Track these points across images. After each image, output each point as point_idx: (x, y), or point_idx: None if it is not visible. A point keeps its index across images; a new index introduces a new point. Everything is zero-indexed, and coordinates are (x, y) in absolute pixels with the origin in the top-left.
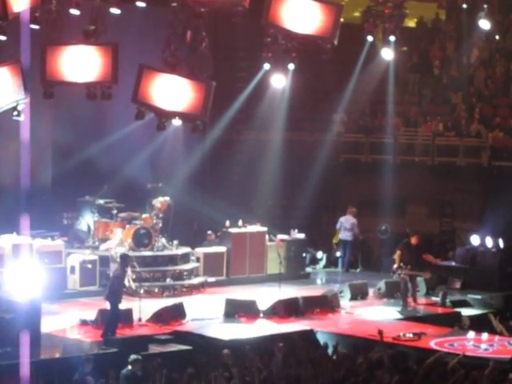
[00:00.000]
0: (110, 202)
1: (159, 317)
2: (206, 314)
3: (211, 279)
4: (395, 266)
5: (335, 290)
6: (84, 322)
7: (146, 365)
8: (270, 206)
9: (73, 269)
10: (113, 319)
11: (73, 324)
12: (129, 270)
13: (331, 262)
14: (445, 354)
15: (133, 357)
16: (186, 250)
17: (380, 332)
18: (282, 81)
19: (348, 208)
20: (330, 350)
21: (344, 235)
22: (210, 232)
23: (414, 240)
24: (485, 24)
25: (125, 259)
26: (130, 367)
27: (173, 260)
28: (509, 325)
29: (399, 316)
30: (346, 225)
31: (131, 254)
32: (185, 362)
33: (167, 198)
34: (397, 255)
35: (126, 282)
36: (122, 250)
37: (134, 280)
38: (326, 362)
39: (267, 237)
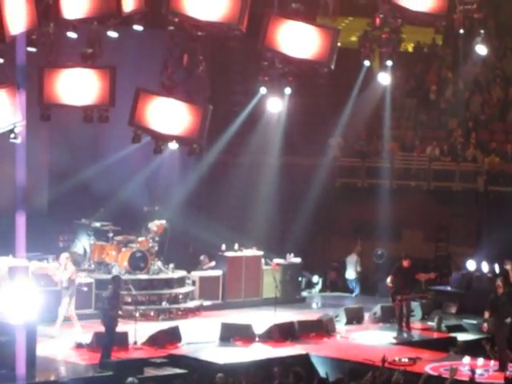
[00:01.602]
0: (107, 224)
1: (155, 340)
2: (202, 338)
3: (207, 303)
4: (390, 292)
5: (331, 315)
6: (79, 345)
7: None
8: (266, 230)
9: None
10: (108, 342)
11: (68, 347)
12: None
13: (327, 286)
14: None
15: (130, 380)
16: (181, 273)
17: (384, 358)
18: (279, 105)
19: (355, 247)
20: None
21: (350, 274)
22: (202, 257)
23: (405, 263)
24: (481, 49)
25: (117, 280)
26: None
27: (168, 283)
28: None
29: (394, 341)
30: (351, 262)
31: (127, 277)
32: None
33: (163, 222)
34: (389, 281)
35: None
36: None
37: (128, 303)
38: None
39: (263, 261)
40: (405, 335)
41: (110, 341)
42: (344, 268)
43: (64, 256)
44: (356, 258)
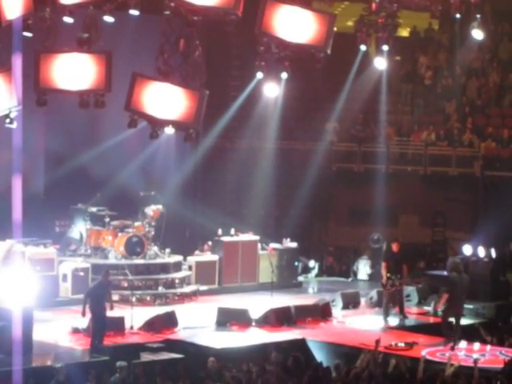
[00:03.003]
0: (103, 209)
1: (151, 325)
2: (198, 323)
3: (203, 288)
4: (383, 279)
5: (327, 299)
6: (76, 330)
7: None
8: (262, 215)
9: (65, 276)
10: (100, 328)
11: (65, 332)
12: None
13: (323, 271)
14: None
15: (119, 363)
16: (178, 258)
17: (377, 341)
18: (275, 90)
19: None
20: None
21: (362, 275)
22: (210, 243)
23: (394, 247)
24: (478, 34)
25: (107, 274)
26: (117, 374)
27: (165, 268)
28: (500, 334)
29: (392, 325)
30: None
31: (123, 262)
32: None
33: (160, 207)
34: (383, 268)
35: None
36: None
37: (124, 288)
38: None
39: (259, 245)
40: (396, 321)
41: (102, 326)
42: (341, 254)
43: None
44: (366, 261)
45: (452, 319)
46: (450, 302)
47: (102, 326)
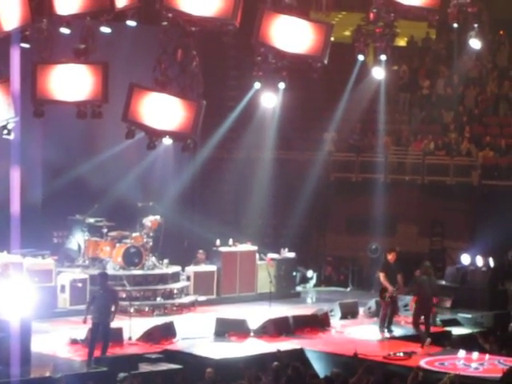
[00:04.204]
0: (101, 220)
1: (149, 336)
2: (197, 333)
3: (201, 298)
4: (390, 288)
5: (325, 309)
6: (74, 341)
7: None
8: (260, 225)
9: (63, 287)
10: (103, 338)
11: (63, 343)
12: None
13: (321, 281)
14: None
15: (121, 375)
16: (176, 268)
17: (355, 353)
18: (273, 100)
19: None
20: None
21: None
22: (201, 251)
23: (390, 257)
24: (475, 43)
25: (104, 276)
26: None
27: (163, 279)
28: (499, 343)
29: (389, 335)
30: None
31: (121, 272)
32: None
33: (158, 217)
34: (382, 279)
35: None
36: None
37: (123, 299)
38: None
39: (257, 256)
40: (387, 332)
41: (100, 336)
42: (339, 263)
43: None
44: None
45: (421, 319)
46: (420, 303)
47: (105, 337)
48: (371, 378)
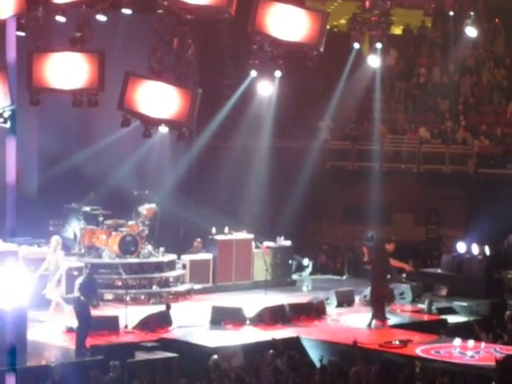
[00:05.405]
0: (96, 209)
1: (145, 324)
2: (193, 321)
3: (197, 286)
4: (407, 266)
5: (321, 297)
6: (70, 329)
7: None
8: (256, 213)
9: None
10: (80, 330)
11: (59, 331)
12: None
13: (317, 269)
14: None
15: (112, 363)
16: (172, 257)
17: (355, 342)
18: (269, 88)
19: None
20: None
21: None
22: (198, 240)
23: (389, 247)
24: (471, 31)
25: (90, 269)
26: (111, 374)
27: (159, 267)
28: (495, 332)
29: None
30: None
31: (117, 261)
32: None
33: (153, 205)
34: (394, 263)
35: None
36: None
37: (118, 287)
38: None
39: (253, 244)
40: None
41: (82, 328)
42: (335, 252)
43: (54, 239)
44: None
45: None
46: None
47: (86, 327)
48: (372, 367)
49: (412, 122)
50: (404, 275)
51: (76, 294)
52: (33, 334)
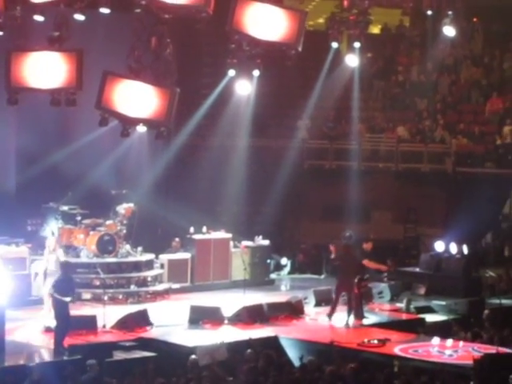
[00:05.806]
0: (74, 208)
1: (124, 323)
2: (171, 321)
3: (175, 286)
4: (383, 267)
5: (300, 297)
6: (48, 329)
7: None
8: (234, 213)
9: (37, 275)
10: (59, 329)
11: (37, 330)
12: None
13: (296, 269)
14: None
15: (90, 362)
16: (150, 256)
17: (331, 341)
18: (247, 87)
19: None
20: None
21: None
22: (177, 239)
23: (367, 246)
24: (449, 30)
25: (66, 267)
26: (88, 373)
27: (137, 266)
28: (474, 330)
29: (364, 322)
30: None
31: (95, 260)
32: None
33: (131, 205)
34: (370, 264)
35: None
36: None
37: (96, 287)
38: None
39: (232, 243)
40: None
41: (60, 328)
42: (314, 251)
43: (52, 239)
44: None
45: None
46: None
47: (64, 327)
48: (349, 365)
49: (390, 121)
50: (385, 274)
51: (50, 291)
52: (11, 334)
